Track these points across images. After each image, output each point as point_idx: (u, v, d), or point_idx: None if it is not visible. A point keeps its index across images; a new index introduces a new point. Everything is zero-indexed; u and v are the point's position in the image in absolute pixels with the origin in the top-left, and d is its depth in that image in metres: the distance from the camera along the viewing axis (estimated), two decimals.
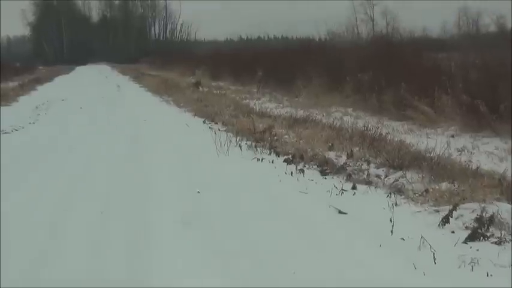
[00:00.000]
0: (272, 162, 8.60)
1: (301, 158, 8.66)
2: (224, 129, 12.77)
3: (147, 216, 6.03)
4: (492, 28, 42.24)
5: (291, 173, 7.73)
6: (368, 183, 7.13)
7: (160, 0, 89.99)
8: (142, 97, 23.81)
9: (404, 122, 14.52)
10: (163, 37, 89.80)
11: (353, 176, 7.48)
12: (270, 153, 9.29)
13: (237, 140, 10.52)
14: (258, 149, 9.66)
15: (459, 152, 10.21)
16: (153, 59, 60.83)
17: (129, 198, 6.72)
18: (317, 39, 30.10)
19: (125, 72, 48.70)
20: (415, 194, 6.48)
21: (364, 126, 13.16)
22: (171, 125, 13.74)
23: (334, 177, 7.57)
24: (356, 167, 8.04)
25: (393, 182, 7.03)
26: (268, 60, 26.57)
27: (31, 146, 10.95)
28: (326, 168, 7.96)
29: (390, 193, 6.54)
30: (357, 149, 9.51)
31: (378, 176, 7.46)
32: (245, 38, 76.29)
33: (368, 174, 7.46)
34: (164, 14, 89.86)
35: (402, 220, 5.49)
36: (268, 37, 68.94)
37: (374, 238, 5.11)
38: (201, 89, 26.33)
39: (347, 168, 7.93)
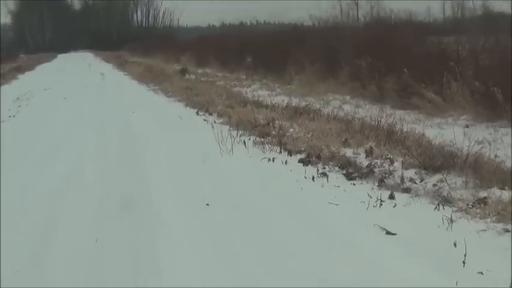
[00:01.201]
0: (285, 163, 7.39)
1: (318, 157, 7.48)
2: (220, 121, 11.59)
3: (153, 245, 4.82)
4: (478, 12, 41.10)
5: (312, 177, 6.53)
6: (406, 190, 5.95)
7: None
8: (128, 86, 22.50)
9: (409, 111, 13.40)
10: (145, 24, 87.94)
11: (385, 180, 6.30)
12: (280, 152, 8.08)
13: (239, 134, 9.34)
14: (265, 146, 8.44)
15: (480, 145, 9.03)
16: (136, 45, 59.24)
17: (130, 219, 5.46)
18: (306, 24, 28.46)
19: (108, 59, 47.20)
20: (467, 204, 5.31)
21: (375, 118, 12.09)
22: (162, 117, 12.50)
23: (363, 182, 6.39)
24: (383, 169, 6.88)
25: (436, 189, 5.87)
26: (257, 46, 25.27)
27: (9, 145, 9.62)
28: (351, 170, 6.77)
29: (438, 204, 5.35)
30: (374, 144, 8.38)
31: (412, 181, 6.30)
32: (228, 24, 74.65)
33: (402, 179, 6.28)
34: (146, 0, 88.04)
35: (467, 243, 4.32)
36: (250, 22, 67.38)
37: (442, 271, 3.95)
38: (187, 76, 25.08)
39: (374, 170, 6.76)
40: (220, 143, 8.46)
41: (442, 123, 11.80)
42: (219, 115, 12.35)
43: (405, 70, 14.09)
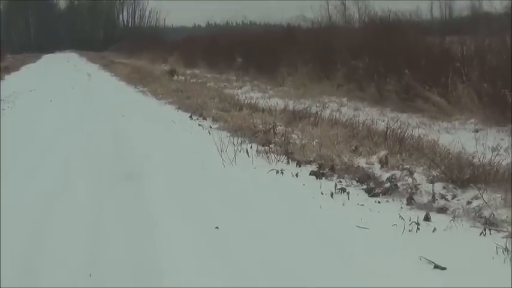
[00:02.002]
0: (296, 175, 6.60)
1: (332, 169, 6.71)
2: (216, 126, 10.80)
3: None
4: (466, 12, 40.45)
5: (331, 194, 5.75)
6: (441, 210, 5.20)
7: None
8: (116, 87, 21.60)
9: (412, 114, 12.69)
10: (131, 24, 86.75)
11: (414, 198, 5.54)
12: (288, 162, 7.31)
13: (239, 142, 8.55)
14: (270, 155, 7.65)
15: (495, 152, 8.28)
16: (122, 46, 58.25)
17: (127, 250, 4.65)
18: (294, 25, 27.63)
19: (94, 60, 46.16)
20: None
21: (376, 121, 11.39)
22: (153, 121, 11.67)
23: (389, 199, 5.62)
24: (405, 182, 6.12)
25: (475, 209, 5.11)
26: (247, 46, 24.46)
27: None
28: (372, 185, 6.00)
29: (485, 229, 4.60)
30: (386, 152, 7.63)
31: (444, 198, 5.54)
32: (214, 24, 73.70)
33: (433, 196, 5.51)
34: (132, 0, 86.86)
35: None
36: (236, 22, 66.42)
37: None
38: (176, 77, 24.27)
39: (397, 184, 5.99)
40: (221, 151, 7.69)
41: (449, 128, 11.09)
42: (214, 119, 11.57)
43: (406, 71, 13.38)
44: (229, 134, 9.65)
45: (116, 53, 54.36)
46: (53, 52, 69.70)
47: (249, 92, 18.59)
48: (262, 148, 8.26)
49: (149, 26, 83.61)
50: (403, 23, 17.09)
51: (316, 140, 8.73)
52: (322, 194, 5.78)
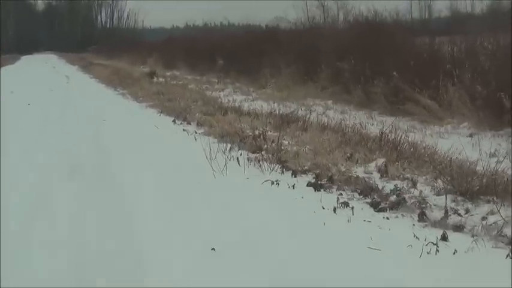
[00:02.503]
0: (293, 187, 6.08)
1: (330, 180, 6.20)
2: (202, 131, 10.27)
3: None
4: (445, 13, 40.24)
5: (334, 209, 5.24)
6: (458, 228, 4.71)
7: None
8: (95, 89, 20.96)
9: (401, 117, 12.25)
10: (110, 25, 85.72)
11: (426, 213, 5.04)
12: (282, 172, 6.79)
13: (227, 148, 8.02)
14: (262, 163, 7.13)
15: (494, 159, 7.83)
16: (100, 47, 57.50)
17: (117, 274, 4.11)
18: (278, 25, 27.14)
19: (73, 61, 45.35)
20: None
21: (365, 125, 10.93)
22: (136, 127, 11.08)
23: (398, 215, 5.12)
24: (411, 195, 5.65)
25: (494, 226, 4.64)
26: (228, 47, 23.93)
27: None
28: (377, 199, 5.51)
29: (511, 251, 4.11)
30: (384, 160, 7.17)
31: (456, 212, 5.06)
32: (192, 25, 73.00)
33: (446, 211, 5.03)
34: (111, 2, 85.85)
35: None
36: (214, 23, 65.71)
37: None
38: (156, 79, 23.69)
39: (404, 197, 5.50)
40: (210, 159, 7.16)
41: (442, 132, 10.67)
42: (199, 124, 11.05)
43: (395, 73, 12.93)
44: (216, 140, 9.16)
45: (95, 55, 53.61)
46: (31, 53, 68.72)
47: (231, 95, 18.10)
48: (253, 156, 7.76)
49: (127, 27, 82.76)
50: (390, 24, 16.64)
51: (307, 147, 8.26)
52: (323, 208, 5.27)
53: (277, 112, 12.03)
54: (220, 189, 6.11)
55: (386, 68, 13.46)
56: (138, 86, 19.53)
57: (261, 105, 14.60)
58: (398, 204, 5.26)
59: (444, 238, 4.38)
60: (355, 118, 12.46)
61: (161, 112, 13.11)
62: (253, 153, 7.98)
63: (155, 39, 46.92)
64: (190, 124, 11.23)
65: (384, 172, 6.60)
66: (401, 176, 6.51)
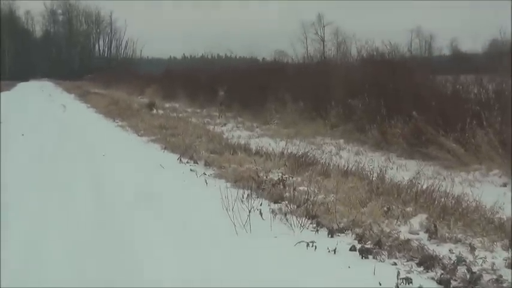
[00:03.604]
0: (334, 251, 5.03)
1: (378, 244, 5.16)
2: (211, 173, 9.23)
3: None
4: (445, 51, 39.57)
5: (396, 286, 4.18)
6: None
7: (106, 17, 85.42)
8: (93, 121, 19.89)
9: (421, 161, 11.27)
10: (108, 54, 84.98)
11: None
12: (316, 229, 5.74)
13: (244, 196, 6.99)
14: (290, 217, 6.07)
15: None
16: (98, 76, 56.62)
17: None
18: (280, 58, 26.24)
19: (70, 89, 44.38)
20: None
21: (382, 169, 9.85)
22: (139, 165, 10.02)
23: None
24: (481, 267, 4.63)
25: None
26: (230, 80, 22.96)
27: None
28: (442, 273, 4.47)
29: None
30: (426, 216, 6.18)
31: None
32: (189, 57, 72.37)
33: None
34: (109, 31, 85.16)
35: None
36: (211, 55, 64.94)
37: None
38: (155, 111, 22.73)
39: (473, 270, 4.48)
40: (227, 210, 6.13)
41: (471, 180, 9.68)
42: (207, 164, 10.03)
43: (414, 113, 11.97)
44: (228, 184, 8.13)
45: (92, 83, 52.74)
46: (28, 80, 67.85)
47: (234, 130, 17.15)
48: (276, 206, 6.73)
49: (125, 57, 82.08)
50: (408, 60, 15.71)
51: (332, 195, 7.24)
52: (380, 285, 4.23)
53: (289, 151, 11.05)
54: (245, 252, 5.06)
55: (404, 107, 12.53)
56: (137, 118, 18.55)
57: (269, 143, 13.60)
58: (472, 283, 4.22)
59: None
60: (371, 160, 11.49)
61: (165, 148, 12.09)
62: (274, 202, 6.95)
63: (152, 70, 46.15)
64: (197, 163, 10.21)
65: (433, 233, 5.58)
66: (454, 238, 5.51)
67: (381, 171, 9.10)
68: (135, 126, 16.54)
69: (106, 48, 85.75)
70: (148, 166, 9.83)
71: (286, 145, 12.79)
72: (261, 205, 6.62)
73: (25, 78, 69.04)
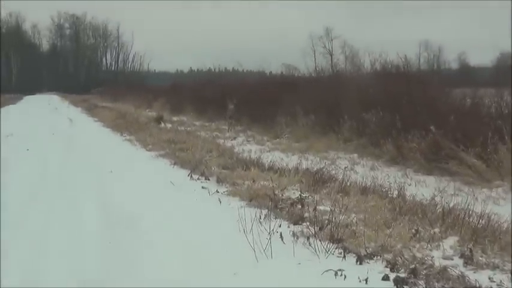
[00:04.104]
0: (365, 281, 4.57)
1: (413, 272, 4.70)
2: (224, 190, 8.76)
3: None
4: (454, 65, 39.18)
5: None
6: None
7: (113, 30, 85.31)
8: (100, 134, 19.50)
9: (440, 177, 10.85)
10: (115, 67, 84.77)
11: None
12: (343, 255, 5.26)
13: (262, 216, 6.56)
14: (314, 242, 5.59)
15: None
16: (105, 89, 56.35)
17: None
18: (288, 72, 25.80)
19: (76, 103, 44.06)
20: None
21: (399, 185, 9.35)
22: (148, 182, 9.56)
23: None
24: None
25: None
26: (239, 93, 22.53)
27: None
28: None
29: None
30: (457, 239, 5.73)
31: None
32: (196, 70, 72.05)
33: None
34: (116, 44, 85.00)
35: None
36: (219, 69, 64.62)
37: None
38: (163, 124, 22.32)
39: None
40: (245, 232, 5.69)
41: (495, 197, 9.24)
42: (219, 180, 9.56)
43: (432, 127, 11.53)
44: (243, 203, 7.67)
45: (99, 97, 52.48)
46: (34, 94, 67.73)
47: (245, 144, 16.73)
48: (296, 228, 6.26)
49: (133, 70, 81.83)
50: (424, 73, 15.28)
51: (354, 215, 6.78)
52: None
53: (304, 167, 10.63)
54: (268, 282, 4.59)
55: (420, 121, 12.09)
56: (145, 132, 18.15)
57: (281, 158, 13.23)
58: None
59: None
60: (388, 176, 11.07)
61: (174, 164, 11.64)
62: (294, 224, 6.49)
63: (159, 83, 45.83)
64: (209, 180, 9.75)
65: (468, 258, 5.12)
66: (492, 264, 5.05)
67: (401, 188, 8.65)
68: (143, 140, 16.12)
69: (113, 62, 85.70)
70: (157, 182, 9.40)
71: (295, 159, 12.42)
72: (280, 226, 6.21)
73: (31, 91, 68.94)
